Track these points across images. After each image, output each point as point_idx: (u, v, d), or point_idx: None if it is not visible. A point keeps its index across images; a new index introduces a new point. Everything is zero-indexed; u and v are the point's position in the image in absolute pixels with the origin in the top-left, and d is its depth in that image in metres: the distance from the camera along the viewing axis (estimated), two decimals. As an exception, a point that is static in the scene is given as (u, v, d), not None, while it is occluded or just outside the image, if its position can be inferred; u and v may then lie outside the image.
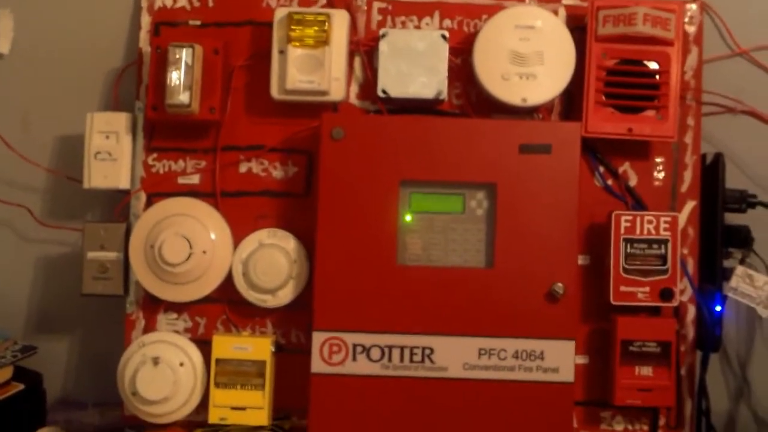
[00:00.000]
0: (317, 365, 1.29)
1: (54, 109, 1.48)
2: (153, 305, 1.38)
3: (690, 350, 1.37)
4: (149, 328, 1.38)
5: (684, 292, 1.36)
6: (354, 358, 1.29)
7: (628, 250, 1.31)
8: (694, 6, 1.40)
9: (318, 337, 1.29)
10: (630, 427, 1.36)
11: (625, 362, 1.31)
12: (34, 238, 1.48)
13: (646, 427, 1.36)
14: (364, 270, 1.29)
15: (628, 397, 1.31)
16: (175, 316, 1.38)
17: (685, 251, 1.36)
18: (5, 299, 1.48)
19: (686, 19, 1.39)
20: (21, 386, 1.35)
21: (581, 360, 1.35)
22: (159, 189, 1.39)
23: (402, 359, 1.29)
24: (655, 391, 1.31)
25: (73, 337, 1.49)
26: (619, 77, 1.34)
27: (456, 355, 1.28)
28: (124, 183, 1.38)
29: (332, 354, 1.29)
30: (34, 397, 1.39)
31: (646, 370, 1.32)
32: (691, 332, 1.37)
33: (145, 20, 1.41)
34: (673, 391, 1.32)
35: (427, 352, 1.29)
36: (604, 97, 1.34)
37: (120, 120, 1.38)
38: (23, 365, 1.38)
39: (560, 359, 1.28)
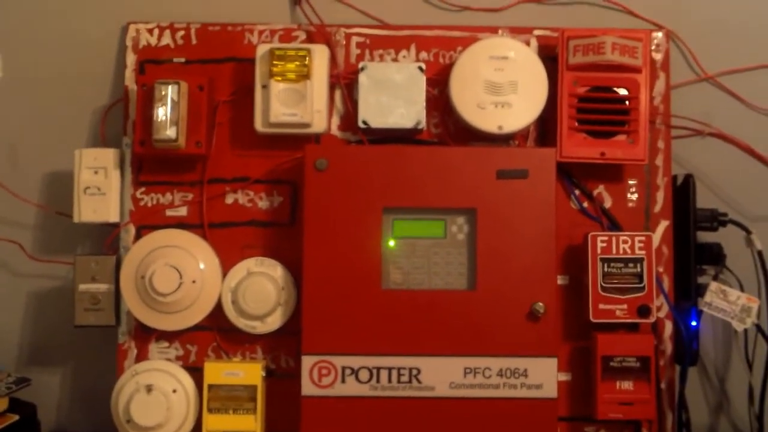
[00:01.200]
0: (307, 388, 1.31)
1: (42, 146, 1.50)
2: (145, 334, 1.40)
3: (669, 365, 1.40)
4: (141, 357, 1.40)
5: (661, 308, 1.39)
6: (343, 380, 1.31)
7: (605, 269, 1.34)
8: (660, 34, 1.44)
9: (307, 361, 1.32)
10: (613, 441, 1.40)
11: (606, 377, 1.34)
12: (26, 272, 1.50)
13: (629, 440, 1.39)
14: (350, 295, 1.32)
15: (610, 411, 1.34)
16: (166, 344, 1.40)
17: (661, 269, 1.39)
18: (-1, 333, 1.51)
19: (653, 47, 1.43)
20: (16, 417, 1.36)
21: (564, 377, 1.38)
22: (148, 221, 1.42)
23: (390, 380, 1.31)
24: (637, 405, 1.34)
25: (65, 369, 1.51)
26: (590, 104, 1.37)
27: (442, 375, 1.31)
28: (113, 216, 1.41)
29: (322, 377, 1.31)
30: (28, 428, 1.40)
31: (627, 385, 1.34)
32: (669, 347, 1.40)
33: (131, 58, 1.44)
34: (654, 404, 1.35)
35: (414, 372, 1.32)
36: (576, 123, 1.37)
37: (108, 156, 1.41)
38: (18, 397, 1.39)
39: (543, 376, 1.31)
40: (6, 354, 1.50)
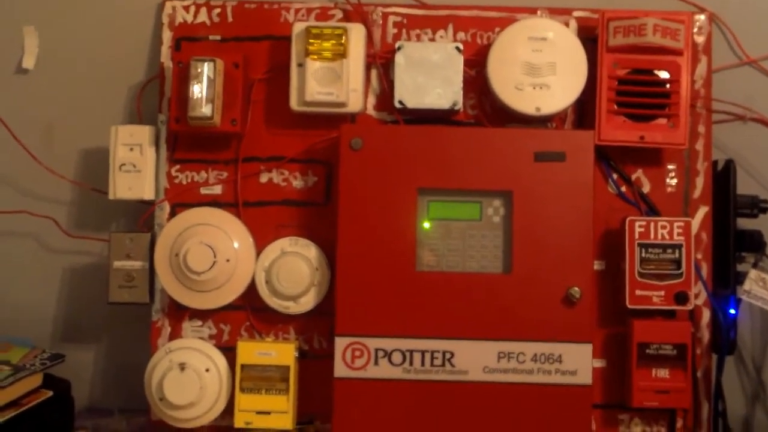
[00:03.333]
0: (340, 370, 1.31)
1: (78, 123, 1.51)
2: (178, 313, 1.41)
3: (705, 353, 1.38)
4: (174, 335, 1.41)
5: (698, 296, 1.38)
6: (376, 363, 1.31)
7: (643, 255, 1.33)
8: (702, 17, 1.42)
9: (341, 342, 1.31)
10: (648, 429, 1.38)
11: (642, 365, 1.33)
12: (61, 248, 1.51)
13: (663, 430, 1.38)
14: (384, 276, 1.31)
15: (645, 399, 1.33)
16: (199, 323, 1.41)
17: (699, 256, 1.38)
18: (33, 309, 1.51)
19: (695, 30, 1.41)
20: (50, 393, 1.37)
21: (599, 363, 1.37)
22: (182, 199, 1.42)
23: (423, 363, 1.31)
24: (672, 393, 1.33)
25: (99, 345, 1.52)
26: (630, 86, 1.36)
27: (476, 359, 1.31)
28: (148, 194, 1.41)
29: (355, 359, 1.31)
30: (62, 404, 1.41)
31: (663, 373, 1.33)
32: (706, 335, 1.38)
33: (167, 35, 1.44)
34: (690, 393, 1.34)
35: (448, 356, 1.31)
36: (616, 106, 1.36)
37: (143, 133, 1.41)
38: (52, 373, 1.40)
39: (578, 362, 1.30)
40: (40, 330, 1.51)
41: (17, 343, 1.44)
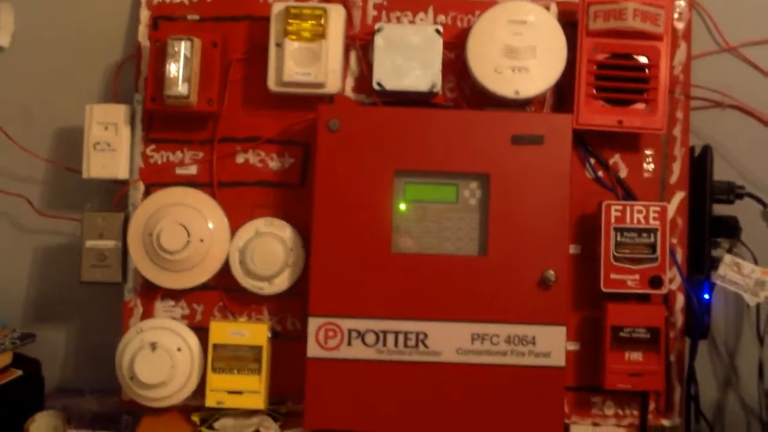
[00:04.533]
0: (313, 350, 1.30)
1: (53, 102, 1.50)
2: (151, 292, 1.39)
3: (679, 337, 1.39)
4: (147, 315, 1.40)
5: (673, 280, 1.38)
6: (349, 343, 1.30)
7: (618, 239, 1.33)
8: (683, 2, 1.42)
9: (314, 323, 1.31)
10: (620, 412, 1.38)
11: (616, 348, 1.33)
12: (33, 228, 1.50)
13: (636, 412, 1.38)
14: (359, 257, 1.31)
15: (618, 382, 1.33)
16: (172, 303, 1.40)
17: (674, 241, 1.38)
18: (4, 288, 1.50)
19: (675, 15, 1.41)
20: (19, 372, 1.37)
21: (573, 347, 1.37)
22: (157, 179, 1.41)
23: (396, 344, 1.30)
24: (645, 376, 1.33)
25: (70, 325, 1.51)
26: (609, 71, 1.36)
27: (449, 341, 1.30)
28: (122, 173, 1.40)
29: (328, 339, 1.31)
30: (32, 383, 1.40)
31: (636, 356, 1.33)
32: (680, 320, 1.39)
33: (144, 14, 1.43)
34: (663, 376, 1.34)
35: (421, 337, 1.30)
36: (594, 90, 1.36)
37: (119, 111, 1.40)
38: (22, 352, 1.39)
39: (552, 344, 1.30)
40: (11, 309, 1.50)
41: (-11, 321, 1.43)
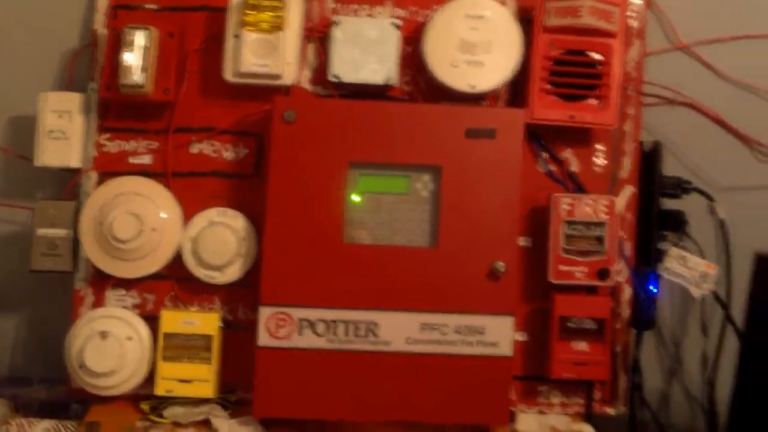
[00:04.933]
0: (263, 339, 1.30)
1: (6, 89, 1.48)
2: (102, 281, 1.38)
3: (625, 328, 1.40)
4: (98, 304, 1.38)
5: (621, 273, 1.39)
6: (300, 333, 1.31)
7: (568, 232, 1.34)
8: (638, 0, 1.44)
9: (264, 312, 1.31)
10: (566, 401, 1.39)
11: (563, 337, 1.35)
12: (-17, 216, 1.49)
13: (581, 401, 1.39)
14: (312, 248, 1.31)
15: (564, 371, 1.34)
16: (123, 292, 1.39)
17: (624, 234, 1.40)
18: (-47, 276, 1.49)
19: (630, 13, 1.43)
20: (-33, 360, 1.36)
21: (521, 337, 1.38)
22: (111, 168, 1.40)
23: (347, 333, 1.31)
24: (590, 366, 1.34)
25: (20, 314, 1.50)
26: (563, 67, 1.37)
27: (399, 330, 1.31)
28: (75, 162, 1.39)
29: (278, 328, 1.31)
30: (-20, 372, 1.39)
31: (582, 346, 1.35)
32: (626, 311, 1.40)
33: (102, 2, 1.42)
34: (608, 365, 1.35)
35: (372, 326, 1.31)
36: (548, 86, 1.37)
37: (73, 100, 1.39)
38: (-30, 340, 1.39)
39: (500, 334, 1.31)
40: (-40, 298, 1.49)
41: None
